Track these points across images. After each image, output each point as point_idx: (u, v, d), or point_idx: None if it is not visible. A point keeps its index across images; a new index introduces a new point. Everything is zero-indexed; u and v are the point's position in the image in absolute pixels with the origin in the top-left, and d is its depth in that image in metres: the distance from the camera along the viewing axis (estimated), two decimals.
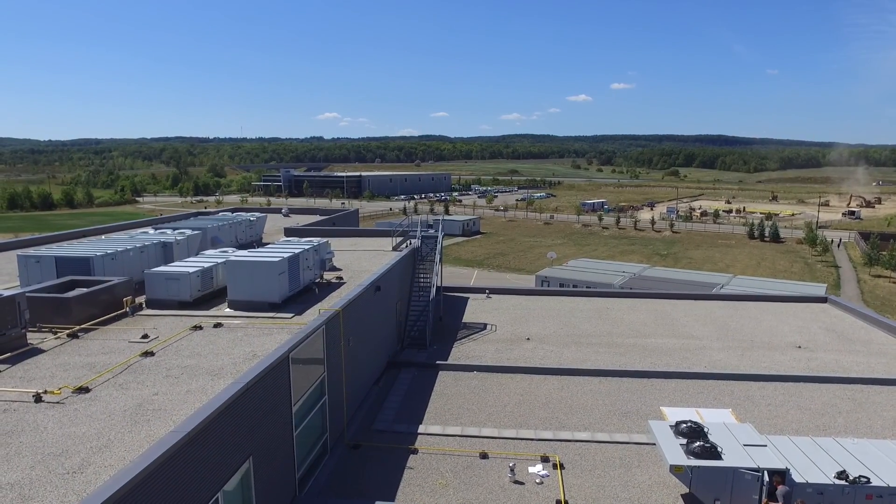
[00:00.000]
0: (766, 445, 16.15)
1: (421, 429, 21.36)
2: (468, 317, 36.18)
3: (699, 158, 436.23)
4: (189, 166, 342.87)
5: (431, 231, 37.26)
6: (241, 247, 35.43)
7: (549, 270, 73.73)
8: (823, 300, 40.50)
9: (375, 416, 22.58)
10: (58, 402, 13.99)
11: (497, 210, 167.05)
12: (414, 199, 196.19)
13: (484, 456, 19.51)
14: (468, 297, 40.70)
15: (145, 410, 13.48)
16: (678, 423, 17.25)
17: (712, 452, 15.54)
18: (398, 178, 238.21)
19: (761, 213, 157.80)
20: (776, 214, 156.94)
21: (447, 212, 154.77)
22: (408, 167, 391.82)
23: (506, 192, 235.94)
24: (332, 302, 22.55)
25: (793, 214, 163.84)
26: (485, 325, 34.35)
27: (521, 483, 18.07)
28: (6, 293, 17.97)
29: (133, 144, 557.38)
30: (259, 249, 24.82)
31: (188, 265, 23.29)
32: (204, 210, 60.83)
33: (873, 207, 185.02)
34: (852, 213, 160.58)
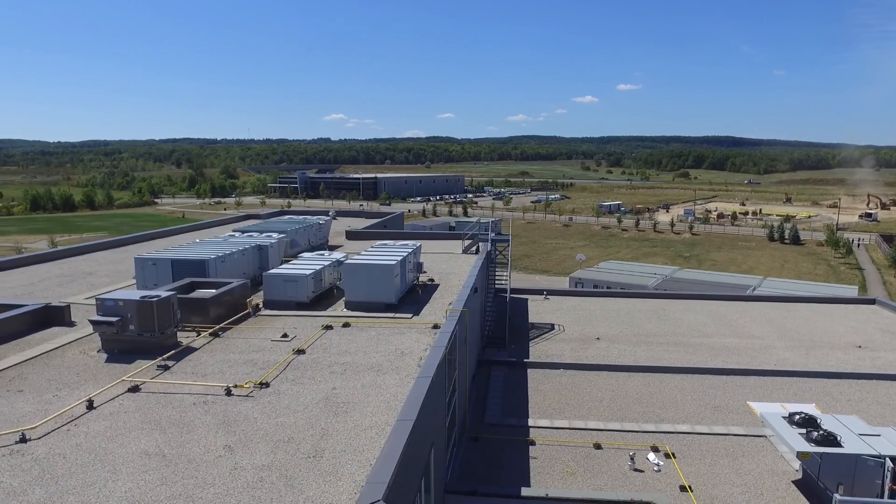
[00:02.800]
0: (879, 434, 17.50)
1: (530, 422, 22.78)
2: (533, 317, 37.56)
3: (709, 160, 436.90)
4: (200, 167, 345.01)
5: (500, 235, 38.70)
6: (311, 249, 36.87)
7: (582, 272, 75.14)
8: (871, 302, 41.76)
9: (483, 411, 24.00)
10: (247, 396, 15.39)
11: (514, 211, 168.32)
12: (430, 200, 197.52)
13: (598, 447, 20.91)
14: (527, 298, 42.07)
15: (335, 403, 14.86)
16: (791, 415, 18.60)
17: (834, 440, 16.89)
18: (413, 180, 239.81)
19: (778, 216, 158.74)
20: (794, 216, 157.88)
21: (465, 213, 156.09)
22: (417, 168, 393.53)
23: (519, 193, 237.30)
24: (440, 302, 23.99)
25: (809, 216, 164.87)
26: (552, 325, 35.72)
27: (641, 471, 19.47)
28: (164, 294, 19.43)
29: (142, 146, 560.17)
30: (365, 253, 26.21)
31: (302, 267, 24.68)
32: (254, 213, 62.11)
33: (888, 209, 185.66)
34: (869, 215, 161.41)
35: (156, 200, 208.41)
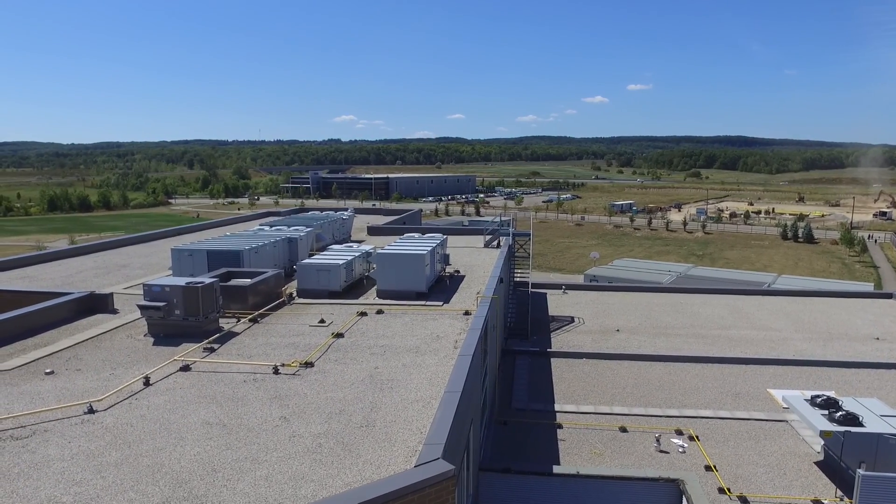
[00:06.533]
0: None
1: (556, 407, 23.47)
2: (553, 310, 38.21)
3: (720, 160, 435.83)
4: (213, 168, 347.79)
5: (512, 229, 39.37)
6: (336, 243, 37.64)
7: (596, 269, 75.54)
8: (889, 296, 42.12)
9: (510, 396, 24.73)
10: (294, 374, 16.17)
11: (527, 210, 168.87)
12: (442, 200, 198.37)
13: (623, 430, 21.59)
14: (545, 293, 42.72)
15: (379, 380, 15.61)
16: (813, 397, 19.21)
17: (856, 420, 17.49)
18: (424, 181, 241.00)
19: (791, 215, 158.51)
20: (807, 215, 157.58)
21: (478, 213, 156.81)
22: (428, 169, 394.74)
23: (531, 193, 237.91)
24: (468, 292, 24.70)
25: (823, 216, 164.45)
26: (572, 317, 36.38)
27: (667, 452, 20.13)
28: (208, 280, 20.26)
29: (154, 147, 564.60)
30: (395, 243, 26.96)
31: (335, 258, 25.47)
32: (274, 210, 63.06)
33: None
34: (883, 213, 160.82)
35: (170, 201, 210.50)
